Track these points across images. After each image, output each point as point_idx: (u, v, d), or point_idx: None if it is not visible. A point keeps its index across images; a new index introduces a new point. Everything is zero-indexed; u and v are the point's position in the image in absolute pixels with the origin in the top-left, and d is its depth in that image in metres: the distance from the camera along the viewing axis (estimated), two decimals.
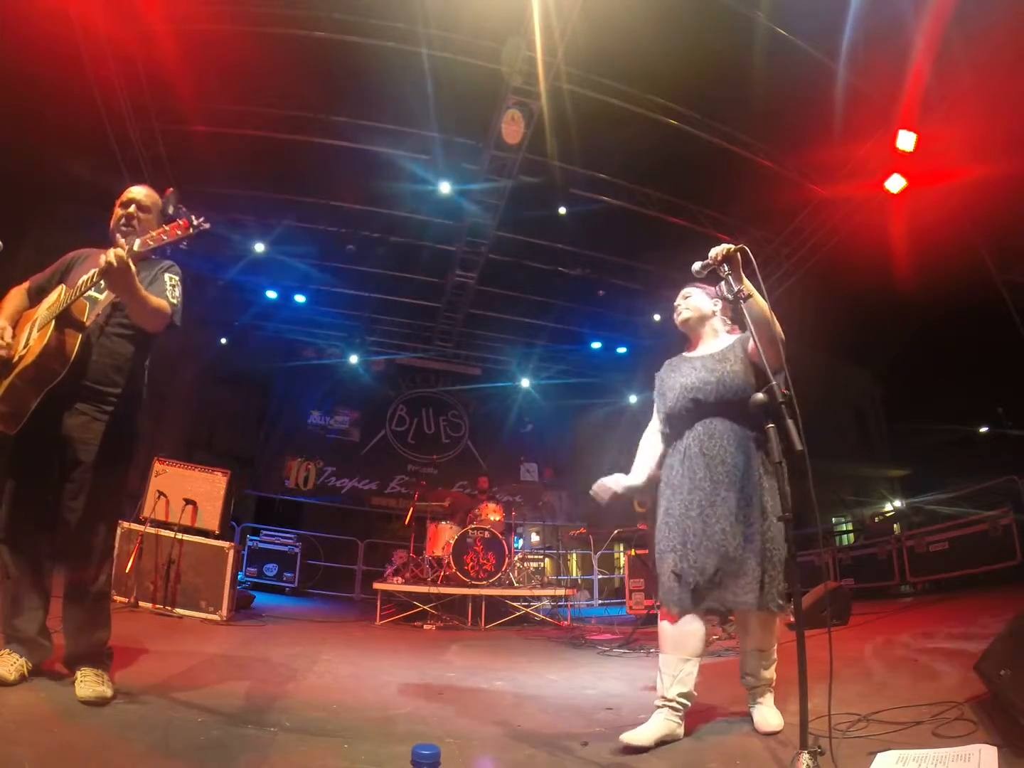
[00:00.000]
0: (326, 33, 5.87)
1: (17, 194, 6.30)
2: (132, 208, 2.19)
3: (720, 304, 2.30)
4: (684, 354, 2.33)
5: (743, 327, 2.24)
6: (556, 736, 2.00)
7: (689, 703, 1.94)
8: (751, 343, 2.03)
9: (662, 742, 1.85)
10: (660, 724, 1.88)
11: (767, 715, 1.95)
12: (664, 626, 2.01)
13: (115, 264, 1.79)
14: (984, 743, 1.50)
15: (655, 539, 2.10)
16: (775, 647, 2.06)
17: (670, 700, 1.91)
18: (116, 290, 1.95)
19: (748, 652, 2.06)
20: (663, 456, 2.22)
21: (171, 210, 2.20)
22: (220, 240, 8.05)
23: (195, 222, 1.88)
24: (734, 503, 1.93)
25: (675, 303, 2.36)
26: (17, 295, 2.18)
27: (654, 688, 2.01)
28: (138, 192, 2.24)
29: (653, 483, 2.23)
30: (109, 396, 2.08)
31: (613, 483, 2.23)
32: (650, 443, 2.30)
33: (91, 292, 2.04)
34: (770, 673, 2.04)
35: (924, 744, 1.58)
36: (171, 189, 2.24)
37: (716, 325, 2.29)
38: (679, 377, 2.17)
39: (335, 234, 8.56)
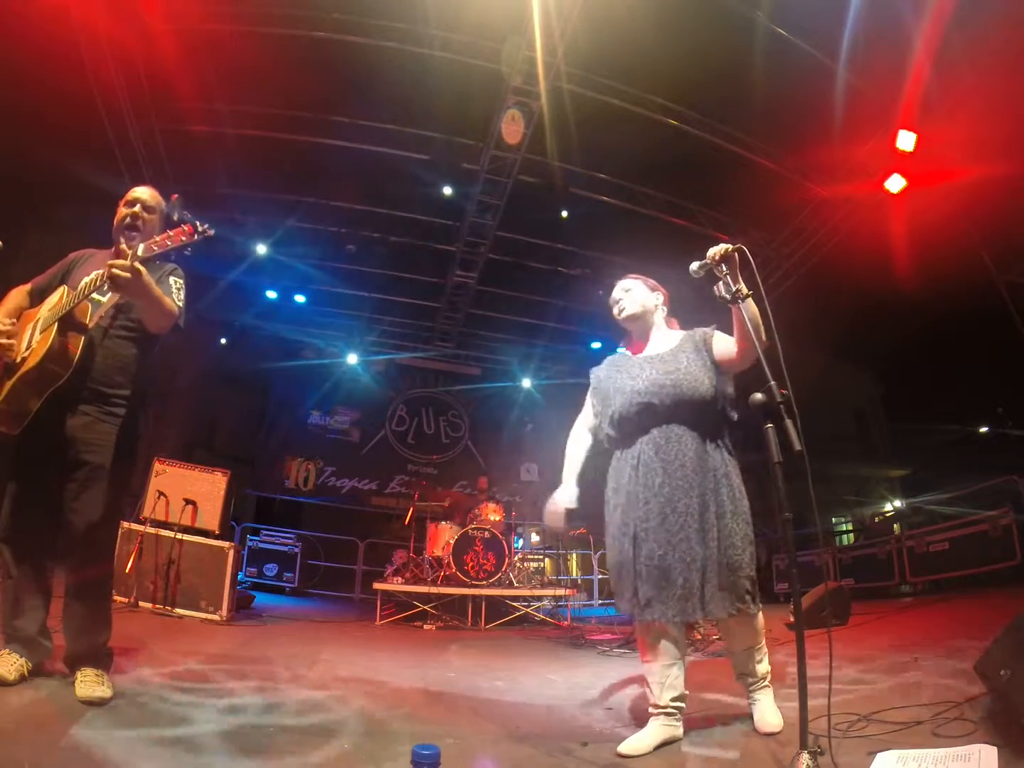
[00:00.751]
0: (326, 33, 5.87)
1: (17, 194, 6.30)
2: (137, 208, 2.19)
3: (662, 296, 2.23)
4: (626, 352, 2.21)
5: (683, 325, 2.22)
6: (556, 736, 2.00)
7: (684, 704, 1.93)
8: (723, 342, 2.00)
9: (662, 747, 1.84)
10: (657, 731, 1.86)
11: (767, 715, 1.93)
12: (641, 636, 1.98)
13: (122, 274, 1.79)
14: (984, 743, 1.50)
15: (608, 549, 2.01)
16: (763, 641, 2.03)
17: (663, 707, 1.89)
18: (131, 295, 1.95)
19: (737, 653, 2.02)
20: (590, 455, 2.15)
21: (176, 216, 2.19)
22: (220, 240, 8.04)
23: (200, 228, 1.88)
24: (696, 509, 1.87)
25: (614, 297, 2.23)
26: (17, 295, 2.18)
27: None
28: (143, 192, 2.25)
29: (586, 488, 2.12)
30: (112, 398, 2.08)
31: (561, 506, 2.05)
32: (580, 446, 2.18)
33: (94, 294, 2.05)
34: (764, 666, 2.01)
35: (924, 744, 1.59)
36: (176, 195, 2.23)
37: (658, 319, 2.20)
38: (628, 380, 2.05)
39: (335, 234, 8.56)
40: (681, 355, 2.03)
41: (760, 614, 1.96)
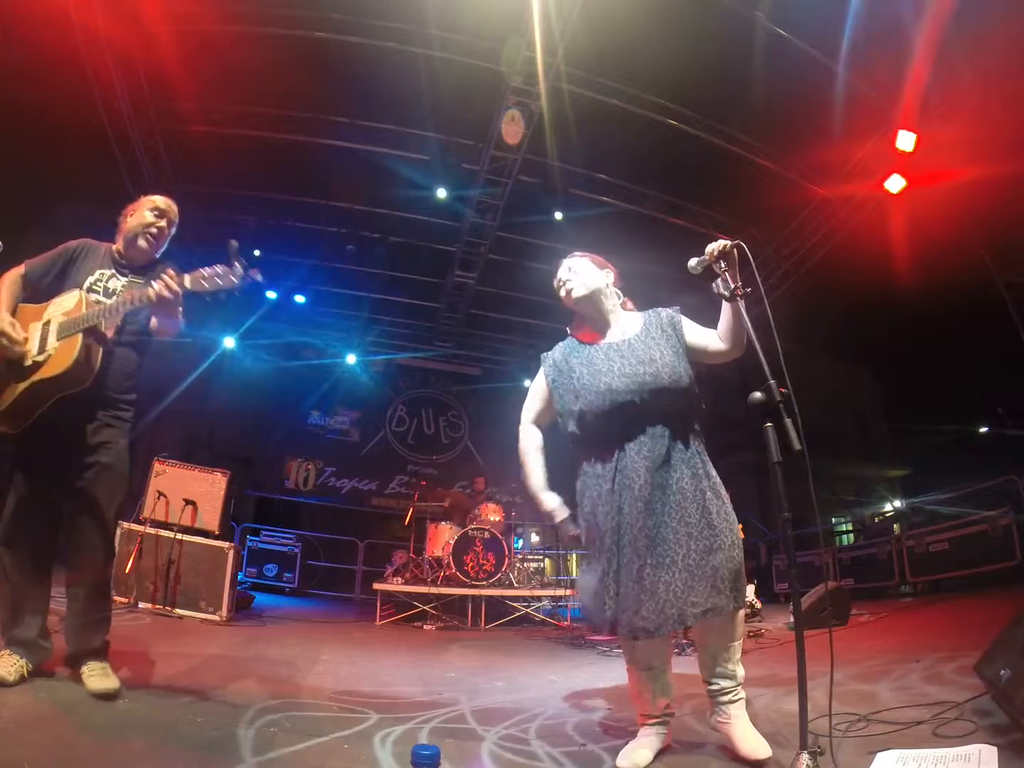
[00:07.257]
0: (326, 33, 5.88)
1: (17, 194, 6.30)
2: (163, 222, 2.26)
3: (612, 275, 2.02)
4: (582, 340, 1.97)
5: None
6: (556, 736, 2.00)
7: (674, 711, 1.85)
8: (699, 331, 1.90)
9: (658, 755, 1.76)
10: (654, 741, 1.74)
11: (749, 737, 1.65)
12: (627, 648, 1.84)
13: (170, 296, 1.93)
14: (984, 743, 1.50)
15: (587, 556, 1.83)
16: (741, 639, 1.85)
17: (659, 716, 1.79)
18: (163, 313, 2.09)
19: (715, 650, 1.75)
20: (547, 451, 2.02)
21: (234, 263, 2.04)
22: (220, 240, 8.04)
23: (249, 273, 1.94)
24: (682, 509, 1.70)
25: (559, 277, 2.01)
26: (12, 284, 2.09)
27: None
28: (171, 206, 2.32)
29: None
30: (120, 403, 2.14)
31: (560, 518, 1.92)
32: (536, 449, 2.04)
33: (104, 299, 2.08)
34: (741, 668, 1.78)
35: (924, 744, 1.58)
36: (235, 242, 2.09)
37: (611, 300, 1.98)
38: (597, 374, 1.83)
39: (335, 234, 8.56)
40: (652, 343, 1.85)
41: (742, 611, 1.83)
